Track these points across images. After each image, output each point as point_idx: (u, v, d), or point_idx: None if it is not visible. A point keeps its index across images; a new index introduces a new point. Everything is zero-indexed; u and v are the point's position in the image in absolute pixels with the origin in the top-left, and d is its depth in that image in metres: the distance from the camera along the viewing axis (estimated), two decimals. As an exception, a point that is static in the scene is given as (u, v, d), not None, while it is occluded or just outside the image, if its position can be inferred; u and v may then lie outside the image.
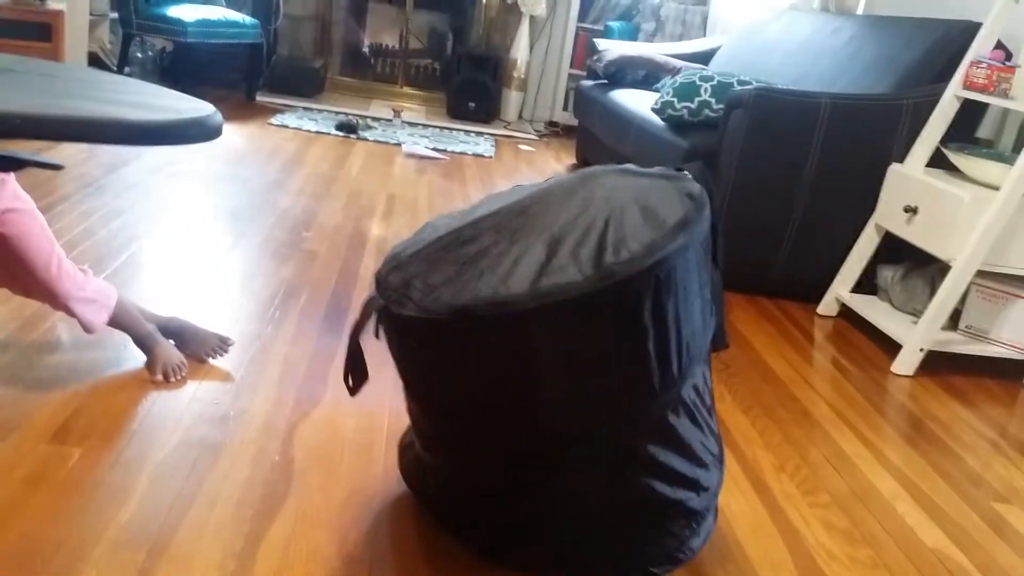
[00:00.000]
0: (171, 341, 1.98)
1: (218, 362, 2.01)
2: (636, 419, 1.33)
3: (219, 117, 0.97)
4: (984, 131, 3.29)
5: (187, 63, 5.58)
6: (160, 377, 1.89)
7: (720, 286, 1.43)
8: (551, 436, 1.34)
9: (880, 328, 2.79)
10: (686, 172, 1.45)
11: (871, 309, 2.90)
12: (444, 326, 1.27)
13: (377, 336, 1.40)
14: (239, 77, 5.60)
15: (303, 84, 5.73)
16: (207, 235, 2.87)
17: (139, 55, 5.40)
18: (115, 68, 5.09)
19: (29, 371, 1.85)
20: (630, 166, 1.51)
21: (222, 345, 2.03)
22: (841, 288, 3.01)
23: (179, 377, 1.90)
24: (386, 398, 1.96)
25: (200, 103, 1.04)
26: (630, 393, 1.31)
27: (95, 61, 5.12)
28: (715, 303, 1.41)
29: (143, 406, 1.78)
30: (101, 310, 1.81)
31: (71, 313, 1.77)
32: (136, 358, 1.95)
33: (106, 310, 1.83)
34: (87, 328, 1.81)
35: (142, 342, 1.93)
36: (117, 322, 1.87)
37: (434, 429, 1.48)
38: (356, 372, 1.42)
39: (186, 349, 1.99)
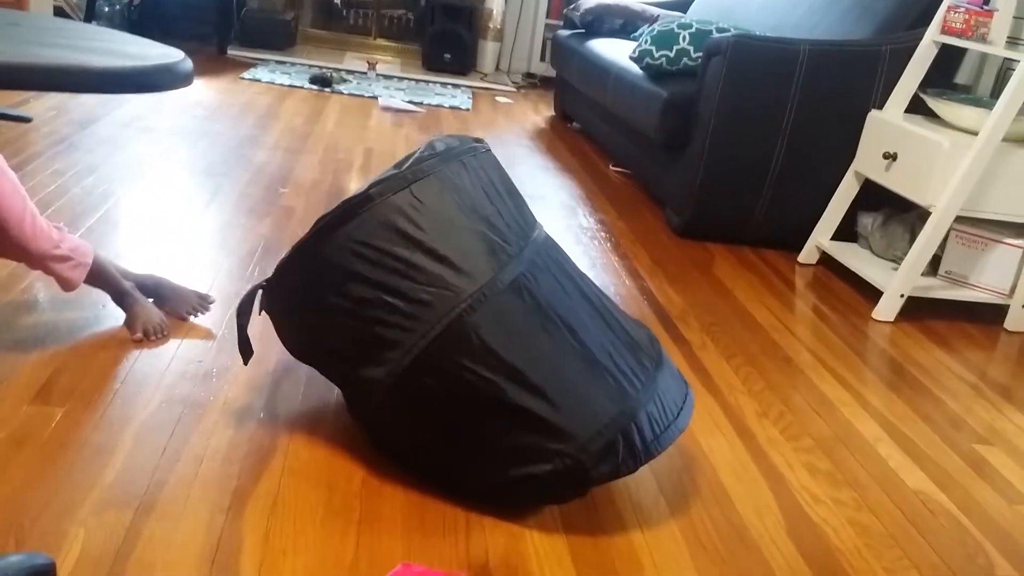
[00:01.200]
0: (150, 299, 1.96)
1: (199, 320, 1.99)
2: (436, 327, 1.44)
3: (189, 63, 0.94)
4: (962, 76, 3.30)
5: (155, 16, 5.47)
6: (140, 335, 1.87)
7: None
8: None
9: (860, 275, 2.81)
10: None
11: (851, 256, 2.91)
12: (271, 283, 1.55)
13: (260, 313, 1.62)
14: (209, 30, 5.50)
15: (274, 37, 5.63)
16: (182, 191, 2.83)
17: (106, 8, 5.29)
18: (81, 22, 4.98)
19: (7, 332, 1.82)
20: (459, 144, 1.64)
21: (202, 303, 2.01)
22: (821, 236, 3.02)
23: (160, 336, 1.89)
24: (370, 352, 1.95)
25: (169, 49, 1.01)
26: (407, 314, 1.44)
27: (60, 15, 5.01)
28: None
29: (125, 365, 1.77)
30: (78, 267, 1.79)
31: (48, 271, 1.75)
32: (116, 317, 1.93)
33: (83, 267, 1.80)
34: (64, 286, 1.79)
35: (121, 300, 1.91)
36: (95, 280, 1.85)
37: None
38: (244, 348, 1.63)
39: (166, 307, 1.97)
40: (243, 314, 1.59)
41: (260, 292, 1.59)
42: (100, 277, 1.86)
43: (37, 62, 0.85)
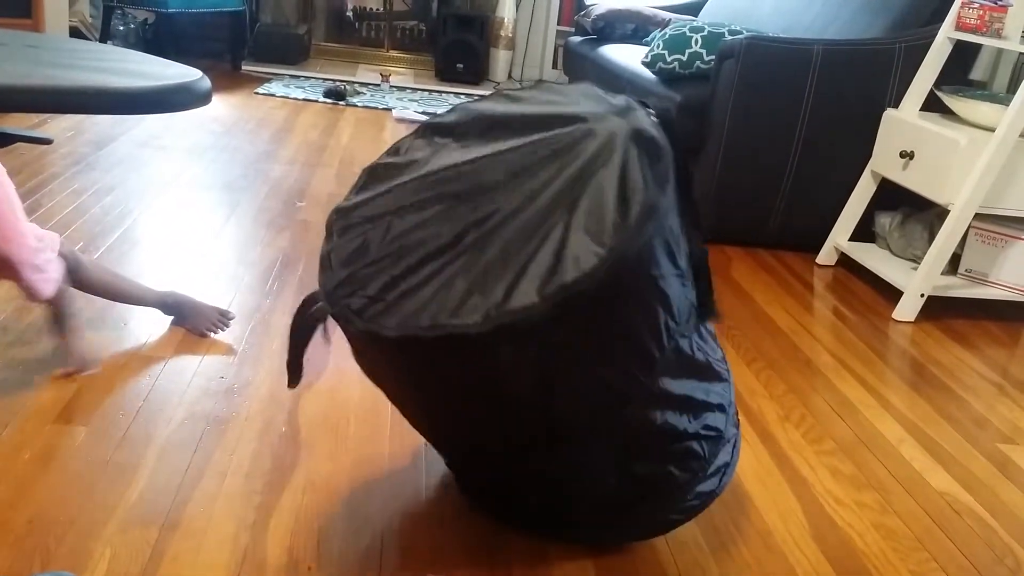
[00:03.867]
0: (171, 317, 1.98)
1: (219, 336, 2.00)
2: (621, 405, 1.31)
3: (207, 82, 0.95)
4: (978, 72, 3.27)
5: (170, 34, 5.52)
6: (72, 371, 1.80)
7: (702, 254, 1.34)
8: (537, 432, 1.32)
9: (880, 275, 2.79)
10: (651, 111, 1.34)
11: (870, 256, 2.90)
12: (392, 347, 1.21)
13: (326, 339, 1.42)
14: (223, 47, 5.54)
15: (288, 51, 5.66)
16: (200, 208, 2.85)
17: (121, 27, 5.33)
18: (97, 42, 5.02)
19: (30, 351, 1.84)
20: (590, 90, 1.39)
21: (222, 319, 2.02)
22: (839, 237, 3.00)
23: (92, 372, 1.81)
24: (389, 364, 1.95)
25: (187, 69, 1.02)
26: (608, 390, 1.28)
27: (76, 35, 5.05)
28: (698, 273, 1.34)
29: (146, 383, 1.78)
30: (50, 282, 1.71)
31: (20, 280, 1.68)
32: (137, 335, 1.94)
33: (54, 283, 1.72)
34: (35, 296, 1.71)
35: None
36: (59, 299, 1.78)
37: (417, 425, 1.49)
38: (293, 371, 1.45)
39: (186, 324, 1.98)
40: (301, 335, 1.43)
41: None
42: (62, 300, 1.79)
43: (58, 84, 0.86)
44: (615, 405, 1.30)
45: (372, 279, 1.26)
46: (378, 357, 1.30)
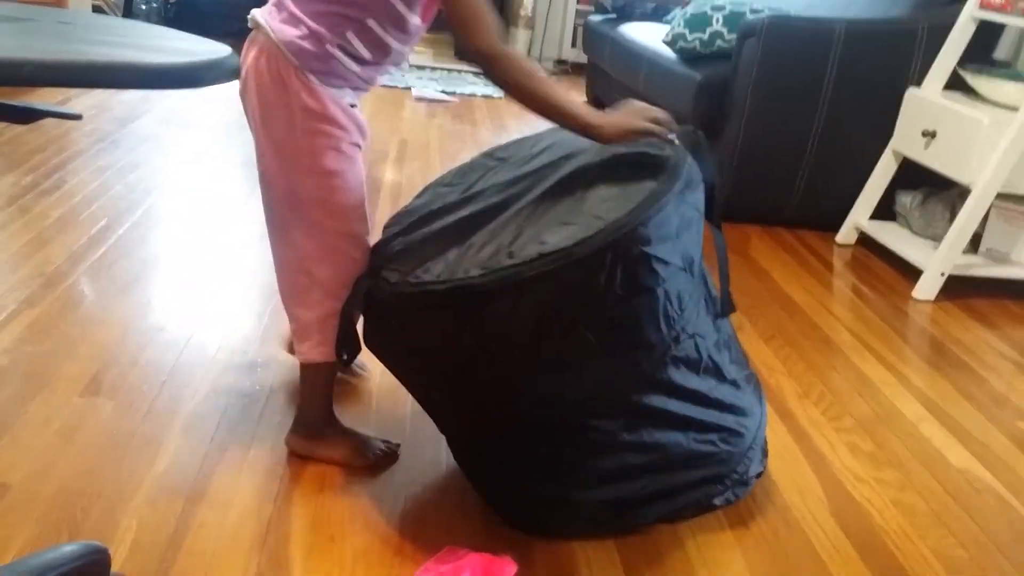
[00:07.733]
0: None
1: (243, 311, 2.02)
2: (624, 382, 1.36)
3: (236, 59, 0.96)
4: (1002, 52, 3.24)
5: (192, 13, 5.52)
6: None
7: (723, 249, 1.52)
8: (546, 404, 1.35)
9: (900, 254, 2.78)
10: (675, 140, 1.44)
11: (890, 235, 2.88)
12: (404, 302, 1.34)
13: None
14: (245, 26, 5.54)
15: (308, 31, 5.66)
16: (222, 186, 2.87)
17: (143, 7, 5.35)
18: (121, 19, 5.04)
19: (56, 326, 1.86)
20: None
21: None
22: (860, 216, 2.99)
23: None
24: (410, 341, 1.97)
25: (216, 45, 1.03)
26: (609, 357, 1.32)
27: (98, 12, 5.07)
28: (720, 268, 1.50)
29: (172, 357, 1.80)
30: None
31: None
32: (163, 310, 1.96)
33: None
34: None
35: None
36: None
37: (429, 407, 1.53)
38: (348, 345, 1.45)
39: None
40: (349, 308, 1.41)
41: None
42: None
43: (91, 60, 0.87)
44: (614, 388, 1.36)
45: (406, 253, 1.41)
46: (398, 325, 1.38)
